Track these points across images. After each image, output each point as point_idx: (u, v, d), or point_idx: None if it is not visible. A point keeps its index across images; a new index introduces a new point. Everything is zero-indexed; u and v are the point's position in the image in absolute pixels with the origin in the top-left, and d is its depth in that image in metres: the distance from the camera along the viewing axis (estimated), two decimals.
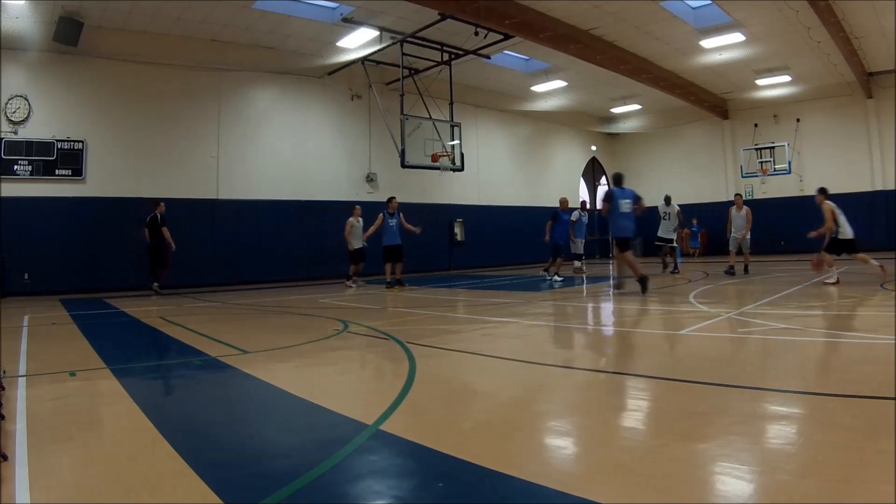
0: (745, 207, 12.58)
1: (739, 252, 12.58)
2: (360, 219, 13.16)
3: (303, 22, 12.83)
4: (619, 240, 9.41)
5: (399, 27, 13.19)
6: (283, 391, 3.68)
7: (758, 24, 13.57)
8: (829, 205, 9.70)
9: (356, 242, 13.00)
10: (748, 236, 12.50)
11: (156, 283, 11.66)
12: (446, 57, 14.56)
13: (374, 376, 4.42)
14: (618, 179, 9.83)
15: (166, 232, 11.62)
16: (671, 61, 16.16)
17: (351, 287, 12.69)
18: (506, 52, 15.26)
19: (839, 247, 9.68)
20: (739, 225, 12.43)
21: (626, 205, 9.31)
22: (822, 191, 10.06)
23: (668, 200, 13.54)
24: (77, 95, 12.60)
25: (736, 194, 13.94)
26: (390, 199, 12.82)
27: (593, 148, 24.81)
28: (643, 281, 8.88)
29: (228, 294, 12.00)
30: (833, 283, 9.13)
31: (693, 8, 13.64)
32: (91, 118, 12.67)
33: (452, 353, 5.02)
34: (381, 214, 12.52)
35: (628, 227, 9.35)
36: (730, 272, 12.26)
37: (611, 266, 14.00)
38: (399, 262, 12.45)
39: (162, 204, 11.90)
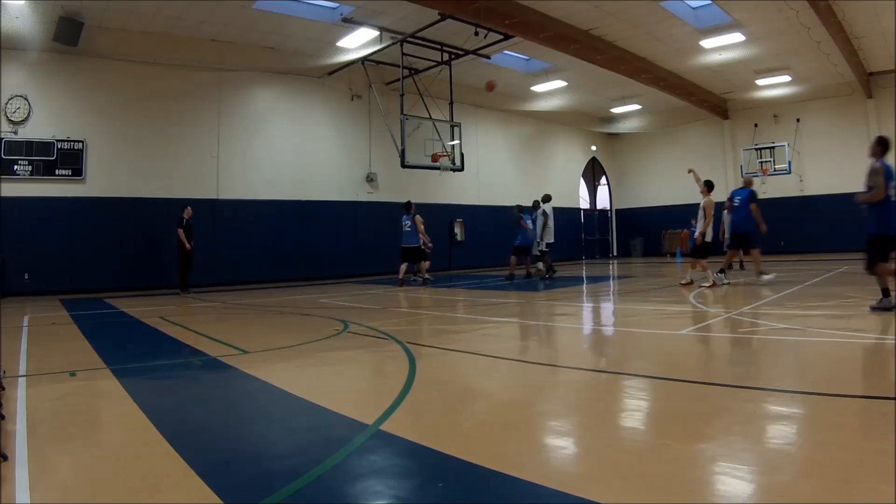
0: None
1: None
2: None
3: (303, 22, 12.82)
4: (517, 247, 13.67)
5: (399, 27, 13.18)
6: (283, 391, 3.68)
7: (758, 25, 13.57)
8: None
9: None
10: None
11: (187, 290, 11.99)
12: (446, 57, 14.54)
13: (375, 376, 4.42)
14: (522, 209, 13.64)
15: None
16: (671, 61, 16.15)
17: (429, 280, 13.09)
18: (506, 52, 15.25)
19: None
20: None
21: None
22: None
23: (535, 205, 13.70)
24: (77, 95, 12.58)
25: (728, 199, 14.34)
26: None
27: (593, 148, 24.80)
28: (510, 278, 13.49)
29: (228, 294, 12.00)
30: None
31: (693, 8, 13.62)
32: (91, 118, 12.66)
33: (452, 353, 5.02)
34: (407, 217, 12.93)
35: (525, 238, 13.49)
36: (730, 268, 12.97)
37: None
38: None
39: (189, 208, 12.21)
